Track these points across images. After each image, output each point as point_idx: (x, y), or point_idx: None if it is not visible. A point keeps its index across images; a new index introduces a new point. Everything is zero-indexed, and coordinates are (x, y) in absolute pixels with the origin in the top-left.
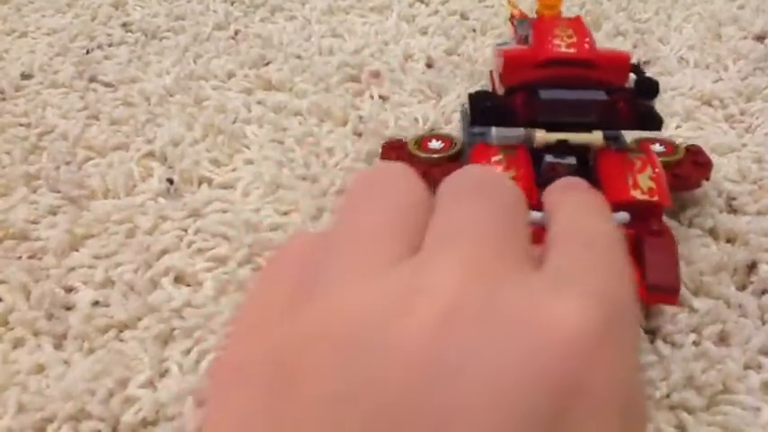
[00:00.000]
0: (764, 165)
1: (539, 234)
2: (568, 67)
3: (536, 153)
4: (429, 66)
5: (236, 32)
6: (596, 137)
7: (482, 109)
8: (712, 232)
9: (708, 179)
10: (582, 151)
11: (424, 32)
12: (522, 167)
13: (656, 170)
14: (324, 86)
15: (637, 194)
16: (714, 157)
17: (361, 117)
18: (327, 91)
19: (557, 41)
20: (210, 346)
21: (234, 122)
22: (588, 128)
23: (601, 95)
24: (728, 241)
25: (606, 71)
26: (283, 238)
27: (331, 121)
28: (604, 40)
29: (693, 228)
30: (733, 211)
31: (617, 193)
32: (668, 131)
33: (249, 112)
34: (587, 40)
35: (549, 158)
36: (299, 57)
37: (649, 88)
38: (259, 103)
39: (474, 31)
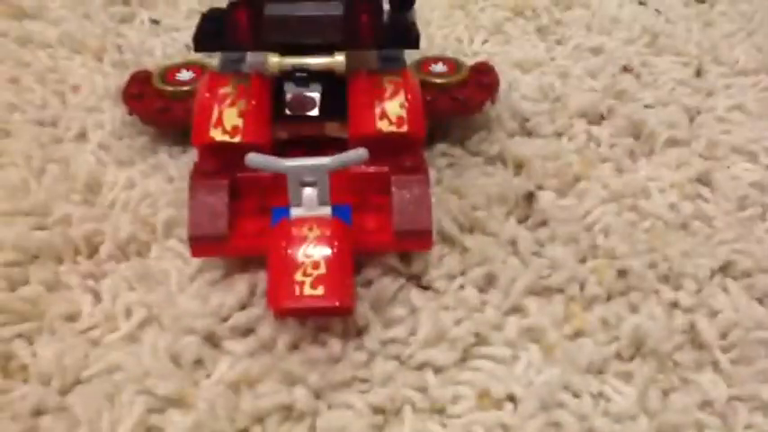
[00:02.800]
0: (569, 80)
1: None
2: None
3: (279, 81)
4: None
5: None
6: (338, 60)
7: (202, 31)
8: (499, 159)
9: (493, 101)
10: (330, 76)
11: None
12: (254, 99)
13: (410, 96)
14: (83, 12)
15: (383, 126)
16: (517, 74)
17: (119, 46)
18: (87, 17)
19: None
20: None
21: None
22: (331, 49)
23: (336, 9)
24: (518, 167)
25: None
26: None
27: (87, 52)
28: None
29: (478, 156)
30: (527, 133)
31: (361, 126)
32: (473, 47)
33: None
34: None
35: (289, 89)
36: None
37: (401, 0)
38: (3, 35)
39: None
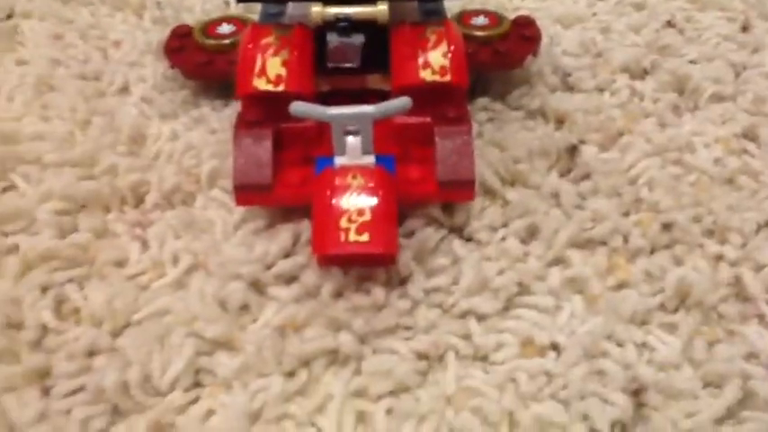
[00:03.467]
0: (611, 35)
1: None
2: None
3: (321, 32)
4: None
5: None
6: (380, 9)
7: None
8: (540, 113)
9: (535, 54)
10: (373, 27)
11: None
12: (297, 49)
13: (452, 47)
14: None
15: (426, 75)
16: (558, 29)
17: (159, 2)
18: None
19: None
20: None
21: (9, 17)
22: None
23: None
24: (559, 122)
25: None
26: (45, 150)
27: (128, 9)
28: None
29: (519, 110)
30: (569, 88)
31: (404, 76)
32: (514, 2)
33: (30, 3)
34: None
35: (332, 39)
36: None
37: None
38: None
39: None
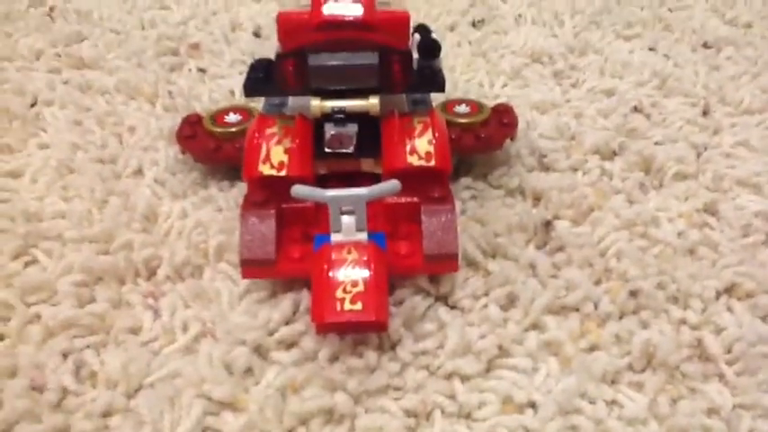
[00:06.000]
0: (583, 120)
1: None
2: (344, 30)
3: (319, 122)
4: (256, 35)
5: (52, 8)
6: (372, 103)
7: (251, 79)
8: (519, 192)
9: (513, 139)
10: (366, 117)
11: (256, 0)
12: (298, 138)
13: (436, 134)
14: (137, 62)
15: (413, 161)
16: (535, 115)
17: (170, 92)
18: (140, 66)
19: (333, 3)
20: None
21: (33, 105)
22: (367, 93)
23: (372, 59)
24: (536, 199)
25: (384, 33)
26: (65, 227)
27: (142, 97)
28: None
29: (499, 188)
30: (545, 168)
31: (394, 161)
32: (494, 90)
33: (52, 91)
34: (365, 1)
35: (329, 129)
36: (117, 32)
37: (428, 49)
38: (65, 82)
39: None
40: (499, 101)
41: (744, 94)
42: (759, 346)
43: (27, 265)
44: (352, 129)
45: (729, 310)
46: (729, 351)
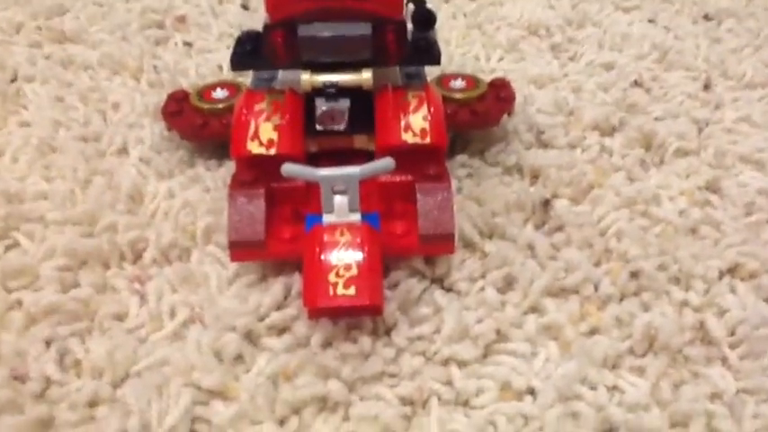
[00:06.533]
0: (582, 94)
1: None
2: None
3: (310, 97)
4: (244, 7)
5: None
6: (365, 77)
7: (237, 52)
8: (516, 169)
9: (510, 114)
10: (358, 92)
11: None
12: (288, 114)
13: (432, 109)
14: (121, 35)
15: (408, 137)
16: (532, 89)
17: (155, 67)
18: (124, 40)
19: None
20: None
21: (13, 81)
22: (359, 66)
23: (365, 29)
24: (534, 177)
25: (377, 2)
26: (47, 209)
27: (126, 72)
28: None
29: (496, 166)
30: (543, 145)
31: (387, 138)
32: (490, 64)
33: (33, 66)
34: None
35: (320, 104)
36: (100, 4)
37: (423, 19)
38: (46, 57)
39: None
40: (495, 75)
41: (746, 68)
42: (763, 328)
43: (8, 248)
44: (345, 104)
45: (732, 291)
46: (733, 334)
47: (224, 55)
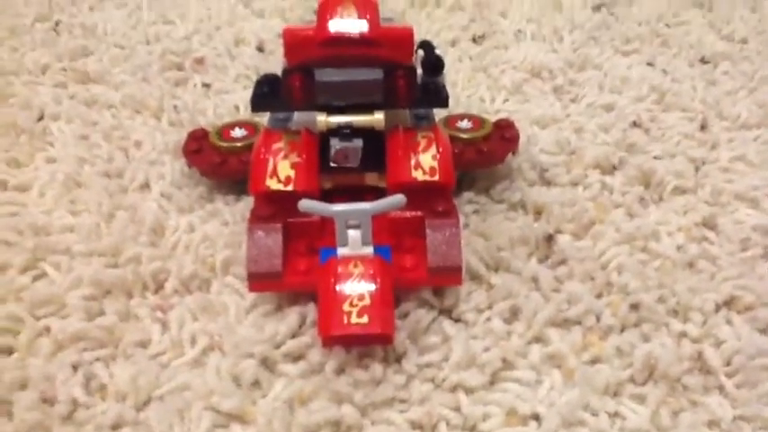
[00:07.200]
0: (583, 134)
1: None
2: (349, 46)
3: (325, 137)
4: (260, 50)
5: (58, 23)
6: (377, 118)
7: (257, 94)
8: (521, 206)
9: (514, 153)
10: (371, 132)
11: (260, 15)
12: (304, 152)
13: (440, 149)
14: (142, 76)
15: (418, 175)
16: (535, 130)
17: (175, 107)
18: (145, 81)
19: (338, 19)
20: None
21: (40, 119)
22: (372, 108)
23: (376, 74)
24: (537, 213)
25: (388, 49)
26: (73, 241)
27: (147, 112)
28: (444, 15)
29: (501, 203)
30: (546, 182)
31: (399, 175)
32: (495, 105)
33: (59, 106)
34: (370, 17)
35: (335, 144)
36: (121, 47)
37: (432, 66)
38: (71, 97)
39: (314, 12)
40: (500, 116)
41: (740, 109)
42: (758, 358)
43: (36, 278)
44: (358, 143)
45: (729, 322)
46: (729, 364)
47: (240, 95)
